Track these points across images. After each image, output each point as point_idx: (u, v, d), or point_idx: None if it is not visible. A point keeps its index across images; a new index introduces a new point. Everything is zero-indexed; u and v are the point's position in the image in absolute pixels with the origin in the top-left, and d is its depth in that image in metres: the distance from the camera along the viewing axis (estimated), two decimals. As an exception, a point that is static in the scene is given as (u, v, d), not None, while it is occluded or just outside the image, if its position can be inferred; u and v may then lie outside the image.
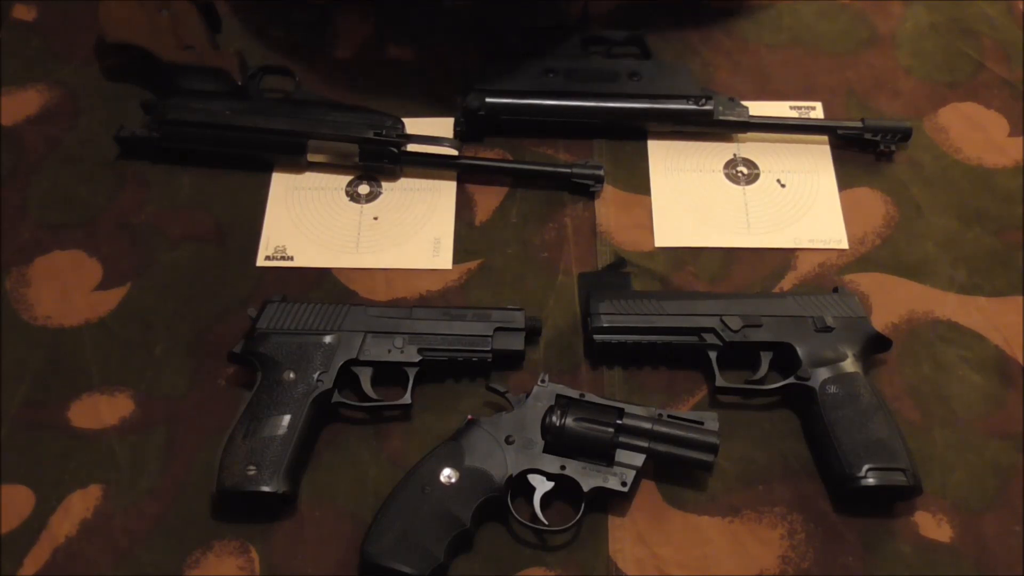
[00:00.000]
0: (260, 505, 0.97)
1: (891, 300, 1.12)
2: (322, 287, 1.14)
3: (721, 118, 1.22)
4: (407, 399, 1.02)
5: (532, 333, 1.07)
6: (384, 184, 1.22)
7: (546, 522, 0.95)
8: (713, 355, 1.04)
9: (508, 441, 0.96)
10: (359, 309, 1.05)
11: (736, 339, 1.03)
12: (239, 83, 1.22)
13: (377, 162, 1.20)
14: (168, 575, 0.95)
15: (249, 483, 0.94)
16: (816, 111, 1.28)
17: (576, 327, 1.10)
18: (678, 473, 1.00)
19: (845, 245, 1.17)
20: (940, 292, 1.13)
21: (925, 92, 1.31)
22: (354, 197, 1.21)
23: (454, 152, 1.20)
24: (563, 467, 0.95)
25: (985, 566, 0.96)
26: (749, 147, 1.25)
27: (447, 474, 0.94)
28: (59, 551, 0.96)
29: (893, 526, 0.98)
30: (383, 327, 1.04)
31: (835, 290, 1.09)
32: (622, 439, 0.96)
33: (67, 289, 1.13)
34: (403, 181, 1.23)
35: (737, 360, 1.05)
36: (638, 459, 0.96)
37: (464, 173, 1.22)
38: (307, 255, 1.16)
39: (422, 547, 0.90)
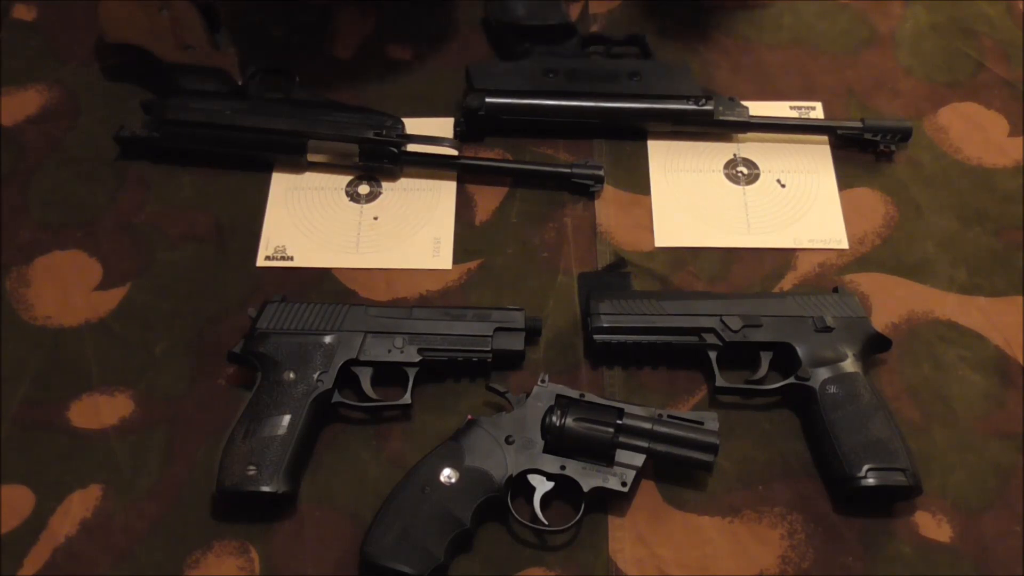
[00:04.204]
0: (260, 505, 0.97)
1: (891, 300, 1.12)
2: (322, 287, 1.14)
3: (721, 118, 1.22)
4: (407, 399, 1.02)
5: (532, 333, 1.07)
6: (384, 184, 1.22)
7: (546, 522, 0.95)
8: (713, 355, 1.03)
9: (508, 441, 0.96)
10: (359, 309, 1.05)
11: (736, 339, 1.03)
12: (239, 83, 1.22)
13: (377, 162, 1.20)
14: (168, 575, 0.95)
15: (249, 483, 0.94)
16: (816, 111, 1.28)
17: (576, 327, 1.10)
18: (678, 473, 1.00)
19: (845, 245, 1.17)
20: (940, 292, 1.13)
21: (925, 92, 1.31)
22: (354, 197, 1.21)
23: (454, 152, 1.20)
24: (563, 467, 0.95)
25: (985, 566, 0.96)
26: (749, 147, 1.25)
27: (447, 474, 0.94)
28: (59, 551, 0.96)
29: (893, 526, 0.98)
30: (383, 327, 1.04)
31: (835, 290, 1.09)
32: (622, 439, 0.96)
33: (67, 289, 1.13)
34: (403, 181, 1.23)
35: (737, 360, 1.05)
36: (638, 459, 0.96)
37: (464, 173, 1.22)
38: (307, 255, 1.16)
39: (422, 547, 0.90)
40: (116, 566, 0.95)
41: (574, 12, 1.36)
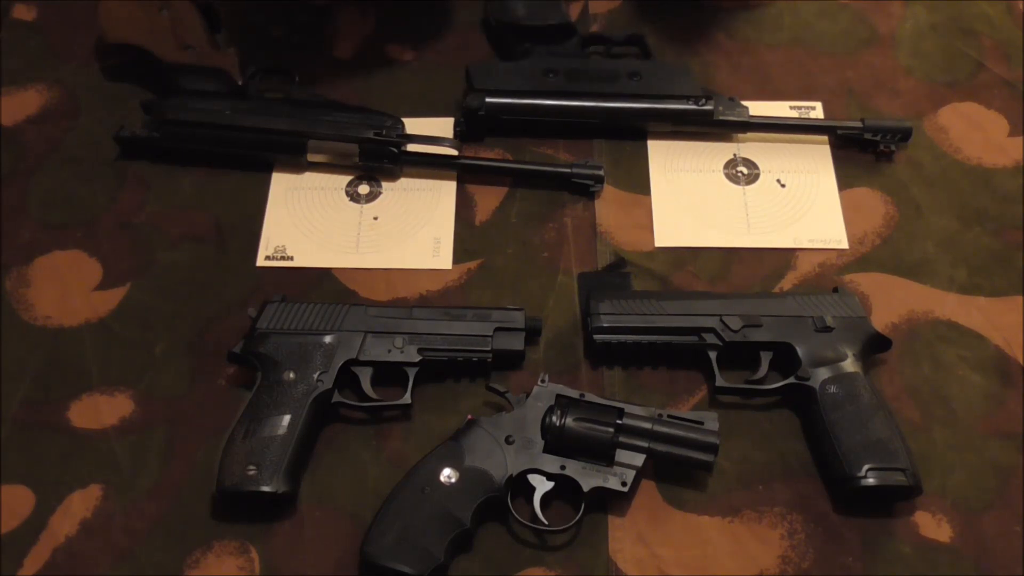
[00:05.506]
0: (260, 505, 0.97)
1: (891, 300, 1.12)
2: (322, 287, 1.14)
3: (721, 118, 1.22)
4: (407, 399, 1.02)
5: (532, 333, 1.07)
6: (384, 184, 1.22)
7: (546, 522, 0.95)
8: (713, 355, 1.03)
9: (508, 441, 0.96)
10: (359, 309, 1.05)
11: (736, 339, 1.03)
12: (239, 83, 1.22)
13: (377, 162, 1.20)
14: (168, 575, 0.95)
15: (249, 483, 0.94)
16: (816, 111, 1.28)
17: (576, 327, 1.10)
18: (678, 473, 1.00)
19: (845, 245, 1.17)
20: (940, 292, 1.13)
21: (925, 92, 1.31)
22: (354, 197, 1.21)
23: (454, 152, 1.20)
24: (563, 467, 0.95)
25: (985, 566, 0.96)
26: (749, 147, 1.25)
27: (447, 474, 0.94)
28: (59, 551, 0.96)
29: (893, 526, 0.98)
30: (383, 327, 1.04)
31: (835, 290, 1.09)
32: (622, 439, 0.96)
33: (67, 289, 1.13)
34: (403, 181, 1.23)
35: (737, 360, 1.05)
36: (638, 459, 0.96)
37: (464, 173, 1.22)
38: (307, 255, 1.16)
39: (422, 547, 0.90)
40: (116, 566, 0.95)
41: (574, 12, 1.36)
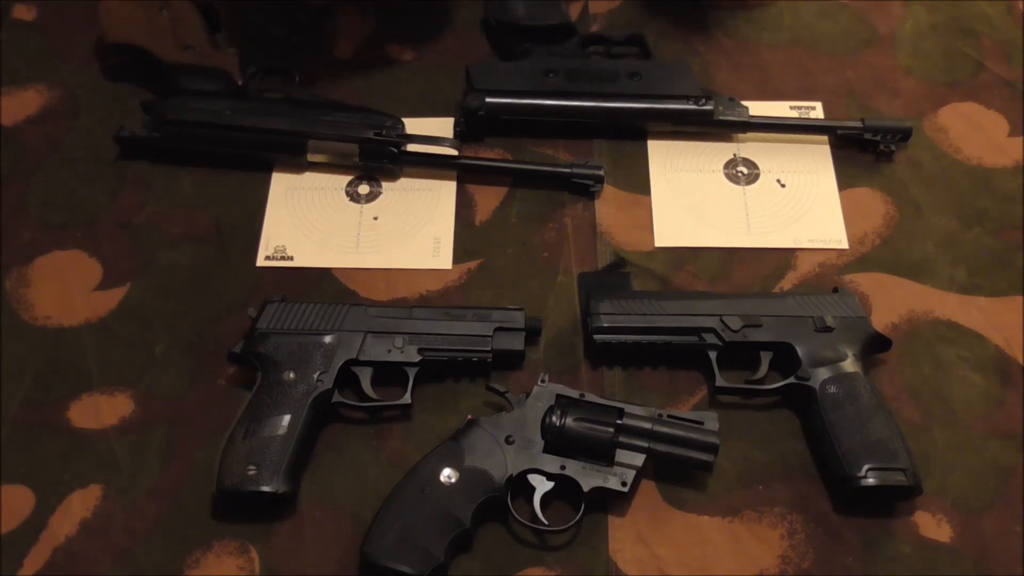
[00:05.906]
0: (260, 505, 0.97)
1: (891, 300, 1.12)
2: (322, 287, 1.14)
3: (721, 118, 1.22)
4: (407, 399, 1.02)
5: (532, 333, 1.07)
6: (384, 184, 1.22)
7: (546, 522, 0.95)
8: (713, 355, 1.03)
9: (508, 441, 0.96)
10: (359, 309, 1.05)
11: (736, 339, 1.03)
12: (239, 83, 1.22)
13: (377, 162, 1.20)
14: (168, 575, 0.95)
15: (249, 483, 0.94)
16: (816, 111, 1.28)
17: (576, 327, 1.10)
18: (678, 473, 1.00)
19: (845, 245, 1.17)
20: (940, 292, 1.13)
21: (925, 92, 1.31)
22: (354, 197, 1.21)
23: (454, 152, 1.20)
24: (563, 467, 0.95)
25: (985, 566, 0.96)
26: (749, 147, 1.25)
27: (447, 474, 0.94)
28: (59, 551, 0.96)
29: (893, 526, 0.98)
30: (383, 327, 1.04)
31: (835, 290, 1.09)
32: (622, 439, 0.96)
33: (67, 289, 1.13)
34: (403, 181, 1.23)
35: (737, 360, 1.05)
36: (638, 459, 0.96)
37: (464, 173, 1.22)
38: (307, 255, 1.16)
39: (422, 547, 0.90)
40: (116, 566, 0.95)
41: (574, 12, 1.36)
